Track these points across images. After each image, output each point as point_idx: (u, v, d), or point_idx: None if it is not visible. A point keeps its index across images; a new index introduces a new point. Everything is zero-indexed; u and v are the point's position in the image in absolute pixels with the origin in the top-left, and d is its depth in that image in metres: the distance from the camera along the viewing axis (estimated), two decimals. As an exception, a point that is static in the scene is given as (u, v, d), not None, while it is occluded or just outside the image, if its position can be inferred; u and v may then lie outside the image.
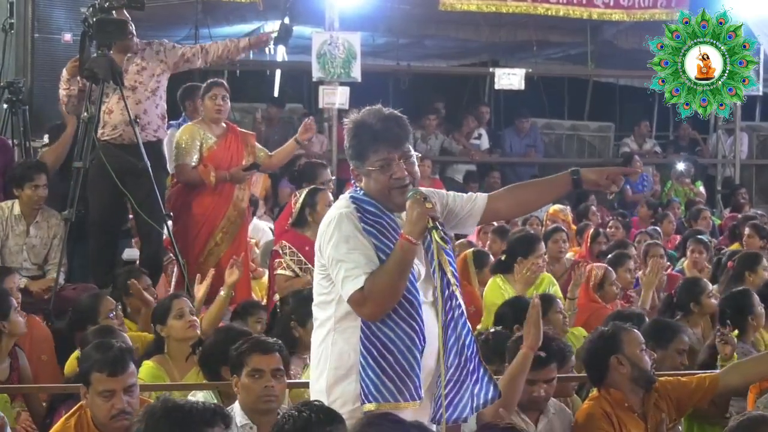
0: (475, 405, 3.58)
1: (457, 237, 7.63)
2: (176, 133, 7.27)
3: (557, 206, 9.42)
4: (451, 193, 3.80)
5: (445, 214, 3.68)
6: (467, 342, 3.55)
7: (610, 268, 6.80)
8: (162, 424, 2.90)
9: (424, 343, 3.45)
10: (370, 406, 3.41)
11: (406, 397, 3.41)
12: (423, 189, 3.70)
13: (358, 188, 3.59)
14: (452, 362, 3.51)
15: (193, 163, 7.05)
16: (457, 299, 3.55)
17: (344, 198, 3.62)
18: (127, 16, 6.83)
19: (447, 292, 3.53)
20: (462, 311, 3.56)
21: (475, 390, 3.57)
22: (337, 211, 3.54)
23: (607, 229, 9.43)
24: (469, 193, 3.82)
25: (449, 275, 3.53)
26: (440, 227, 3.40)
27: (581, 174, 3.77)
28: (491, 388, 3.61)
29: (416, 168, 3.55)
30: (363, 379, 3.42)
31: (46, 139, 7.45)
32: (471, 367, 3.55)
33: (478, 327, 6.00)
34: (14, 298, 5.58)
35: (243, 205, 7.28)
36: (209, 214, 7.04)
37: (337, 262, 3.45)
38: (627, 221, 10.15)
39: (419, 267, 3.52)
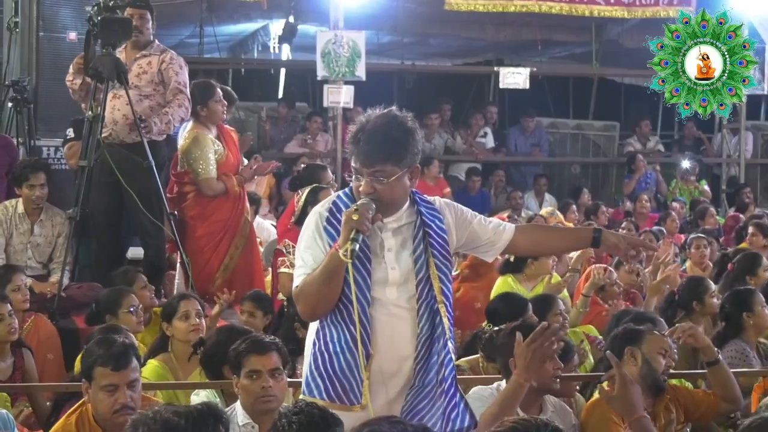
0: (449, 429, 3.47)
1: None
2: (187, 141, 7.00)
3: (548, 209, 9.40)
4: (479, 216, 3.69)
5: (466, 235, 3.62)
6: (445, 362, 3.46)
7: (610, 268, 6.76)
8: None
9: (369, 349, 3.35)
10: (305, 397, 3.41)
11: (333, 397, 3.37)
12: (445, 200, 3.68)
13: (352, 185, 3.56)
14: (430, 380, 3.43)
15: (215, 175, 6.96)
16: (440, 317, 3.45)
17: (333, 195, 3.63)
18: (148, 12, 6.87)
19: (434, 306, 3.44)
20: (443, 330, 3.45)
21: (452, 415, 3.48)
22: (314, 209, 3.58)
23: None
24: (497, 221, 3.74)
25: (436, 291, 3.46)
26: (359, 242, 3.27)
27: (603, 234, 3.73)
28: (467, 416, 3.54)
29: (390, 190, 3.38)
30: (306, 370, 3.46)
31: (70, 132, 7.39)
32: (445, 387, 3.46)
33: (482, 325, 5.98)
34: (21, 296, 5.62)
35: (248, 205, 7.34)
36: (231, 219, 7.05)
37: (297, 258, 3.52)
38: (635, 221, 10.13)
39: (393, 273, 3.43)
